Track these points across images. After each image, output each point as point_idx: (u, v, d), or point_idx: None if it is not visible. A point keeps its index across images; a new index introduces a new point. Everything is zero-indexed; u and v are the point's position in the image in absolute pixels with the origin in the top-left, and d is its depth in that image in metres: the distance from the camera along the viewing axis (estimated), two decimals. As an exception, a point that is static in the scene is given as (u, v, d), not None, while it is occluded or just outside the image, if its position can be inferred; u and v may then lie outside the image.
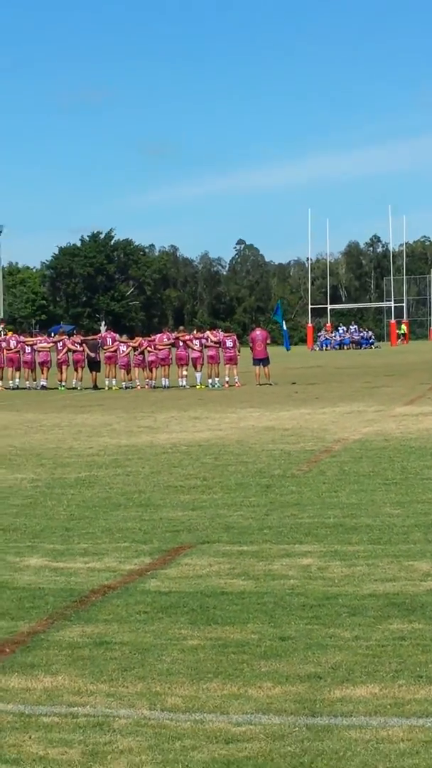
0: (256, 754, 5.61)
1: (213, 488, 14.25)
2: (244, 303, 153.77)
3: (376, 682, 6.58)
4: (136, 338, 42.42)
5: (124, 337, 42.55)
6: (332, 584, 9.01)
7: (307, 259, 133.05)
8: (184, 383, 39.56)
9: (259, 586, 9.05)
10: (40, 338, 43.69)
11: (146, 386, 39.71)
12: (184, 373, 40.16)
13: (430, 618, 7.88)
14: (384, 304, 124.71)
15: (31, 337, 44.80)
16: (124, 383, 40.10)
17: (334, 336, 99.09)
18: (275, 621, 7.97)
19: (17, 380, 40.86)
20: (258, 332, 41.80)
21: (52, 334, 48.42)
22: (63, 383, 40.16)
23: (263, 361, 40.05)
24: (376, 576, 9.21)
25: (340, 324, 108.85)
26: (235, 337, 41.44)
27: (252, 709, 6.23)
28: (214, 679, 6.73)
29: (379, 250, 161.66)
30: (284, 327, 45.34)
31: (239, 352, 40.84)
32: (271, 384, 38.54)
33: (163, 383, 39.80)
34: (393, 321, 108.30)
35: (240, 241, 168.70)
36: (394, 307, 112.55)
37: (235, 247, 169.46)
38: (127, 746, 5.74)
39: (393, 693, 6.40)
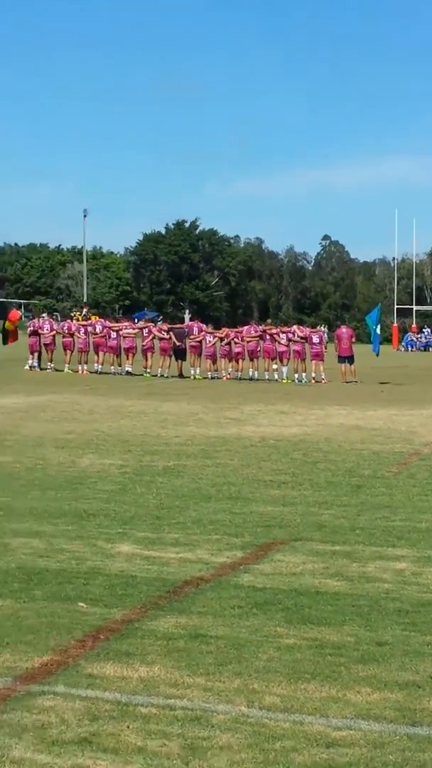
0: (358, 760, 5.50)
1: (303, 485, 14.14)
2: (329, 299, 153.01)
3: None
4: (223, 329, 42.33)
5: (210, 327, 42.50)
6: (427, 591, 8.87)
7: (393, 258, 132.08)
8: (270, 376, 39.46)
9: (354, 587, 8.93)
10: (125, 324, 43.77)
11: (226, 377, 39.61)
12: (274, 366, 40.04)
13: None
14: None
15: (116, 322, 44.87)
16: (209, 373, 40.07)
17: (420, 337, 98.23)
18: (371, 625, 7.85)
19: (99, 365, 40.94)
20: (344, 330, 41.59)
21: (137, 321, 48.56)
22: (148, 370, 40.22)
23: (349, 358, 39.80)
24: (473, 585, 9.06)
25: (425, 326, 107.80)
26: (321, 333, 41.23)
27: (351, 713, 6.12)
28: (311, 681, 6.63)
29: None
30: (377, 331, 44.91)
31: (326, 348, 40.61)
32: (356, 382, 38.28)
33: (250, 375, 39.71)
34: None
35: (325, 237, 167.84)
36: None
37: (321, 243, 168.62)
38: (226, 743, 5.66)
39: None
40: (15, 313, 46.33)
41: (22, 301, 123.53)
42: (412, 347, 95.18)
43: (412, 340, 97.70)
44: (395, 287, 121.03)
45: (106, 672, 6.68)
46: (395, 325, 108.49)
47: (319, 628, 7.75)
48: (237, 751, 5.57)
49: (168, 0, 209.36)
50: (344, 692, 6.45)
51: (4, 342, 43.34)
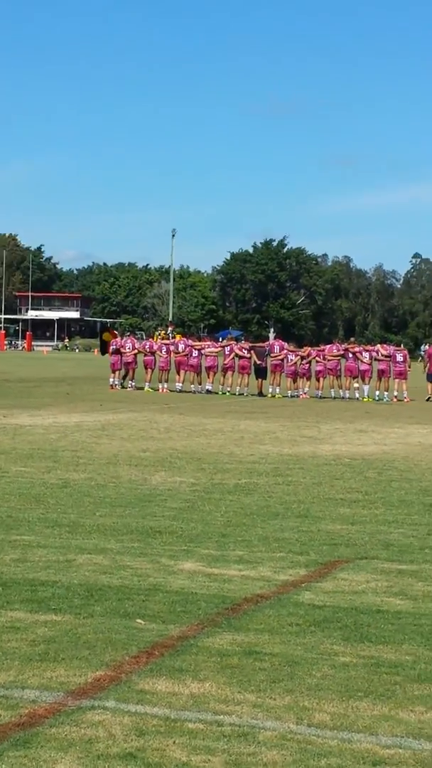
0: (404, 780, 5.41)
1: (375, 503, 14.02)
2: (418, 318, 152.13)
3: None
4: (305, 347, 42.27)
5: (293, 346, 42.44)
6: None
7: None
8: (351, 395, 39.34)
9: (417, 606, 8.82)
10: (207, 342, 43.90)
11: (302, 395, 39.47)
12: (355, 385, 39.90)
13: None
14: None
15: (199, 341, 45.00)
16: (289, 392, 40.00)
17: None
18: None
19: (180, 384, 41.03)
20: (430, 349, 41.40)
21: (220, 339, 48.64)
22: (228, 388, 40.25)
23: (435, 377, 39.61)
24: None
25: None
26: (405, 351, 40.97)
27: (402, 732, 6.03)
28: (364, 698, 6.55)
29: None
30: None
31: (410, 367, 40.34)
32: None
33: (331, 394, 39.59)
34: None
35: (416, 255, 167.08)
36: None
37: (411, 261, 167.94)
38: (271, 759, 5.60)
39: None
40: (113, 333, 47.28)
41: (108, 320, 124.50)
42: None
43: None
44: None
45: (158, 688, 6.65)
46: None
47: (377, 646, 7.66)
48: (281, 767, 5.51)
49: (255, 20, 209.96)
50: (397, 711, 6.36)
51: (103, 352, 43.85)
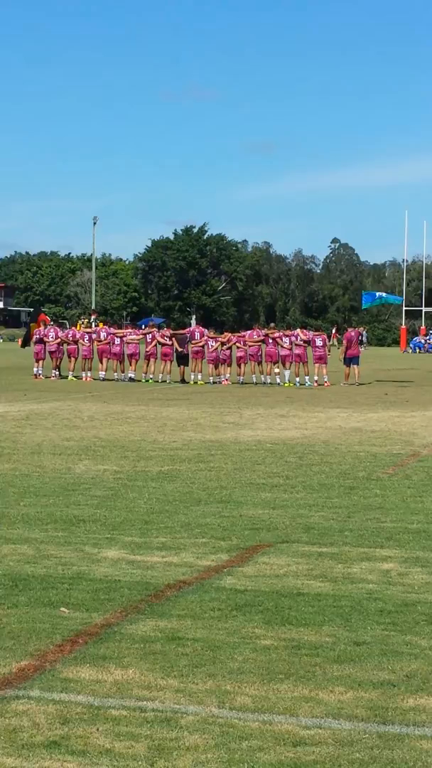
0: (324, 758, 5.52)
1: (295, 487, 14.16)
2: (337, 302, 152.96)
3: (451, 693, 6.45)
4: (225, 334, 42.35)
5: (212, 332, 42.52)
6: (412, 591, 8.89)
7: (403, 260, 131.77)
8: (272, 380, 39.55)
9: (337, 588, 8.95)
10: (129, 330, 43.86)
11: (224, 382, 39.61)
12: (276, 370, 40.09)
13: None
14: None
15: (121, 329, 44.93)
16: (211, 378, 40.09)
17: (428, 339, 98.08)
18: (351, 625, 7.86)
19: (103, 372, 40.94)
20: (353, 332, 41.68)
21: (142, 327, 48.60)
22: (150, 375, 40.27)
23: (354, 360, 39.91)
24: (458, 584, 9.06)
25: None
26: (325, 336, 41.23)
27: (322, 713, 6.14)
28: (285, 681, 6.65)
29: None
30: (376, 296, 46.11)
31: (329, 351, 40.61)
32: (359, 384, 38.36)
33: (253, 380, 39.75)
34: None
35: (335, 240, 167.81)
36: None
37: (330, 246, 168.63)
38: (193, 743, 5.68)
39: (468, 705, 6.26)
40: (44, 316, 47.09)
41: (31, 309, 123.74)
42: (420, 349, 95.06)
43: (420, 342, 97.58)
44: (404, 289, 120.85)
45: (82, 676, 6.70)
46: (403, 327, 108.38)
47: (297, 629, 7.77)
48: (203, 751, 5.59)
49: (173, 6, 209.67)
50: (317, 692, 6.47)
51: (24, 344, 43.66)
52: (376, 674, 6.79)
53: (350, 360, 40.03)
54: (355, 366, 39.74)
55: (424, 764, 5.45)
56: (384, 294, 48.98)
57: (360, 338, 47.95)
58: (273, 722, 5.99)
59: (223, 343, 40.81)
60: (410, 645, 7.40)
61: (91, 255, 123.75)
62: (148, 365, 40.57)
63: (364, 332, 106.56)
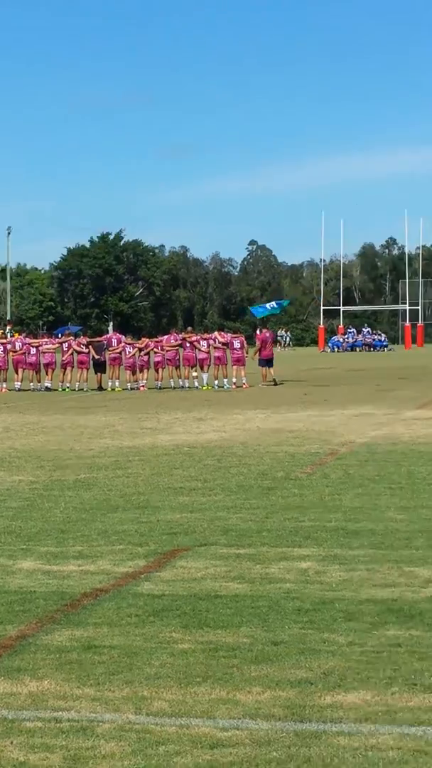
0: (241, 759, 5.49)
1: (213, 490, 14.13)
2: (256, 304, 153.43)
3: (368, 689, 6.45)
4: (143, 339, 42.28)
5: (130, 338, 42.42)
6: (329, 589, 8.89)
7: (321, 260, 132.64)
8: (190, 384, 39.56)
9: (255, 589, 8.92)
10: (45, 339, 43.57)
11: (142, 388, 39.54)
12: (194, 374, 40.09)
13: (427, 625, 7.75)
14: (399, 307, 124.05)
15: (36, 338, 44.63)
16: (129, 384, 39.97)
17: (346, 338, 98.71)
18: (269, 625, 7.84)
19: (19, 383, 40.63)
20: (267, 333, 41.80)
21: (59, 336, 48.29)
22: (67, 385, 40.07)
23: (270, 361, 40.09)
24: (375, 581, 9.08)
25: (350, 326, 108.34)
26: (242, 338, 41.26)
27: (239, 714, 6.11)
28: (202, 684, 6.61)
29: (395, 252, 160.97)
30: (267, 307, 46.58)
31: (247, 353, 40.70)
32: (276, 384, 38.59)
33: (171, 384, 39.71)
34: (408, 324, 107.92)
35: (252, 242, 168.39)
36: (410, 310, 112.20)
37: (247, 248, 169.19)
38: (109, 751, 5.62)
39: (385, 700, 6.27)
40: None
41: None
42: (338, 348, 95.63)
43: (338, 340, 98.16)
44: (322, 289, 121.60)
45: (-4, 689, 6.60)
46: (321, 326, 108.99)
47: (215, 631, 7.73)
48: (120, 758, 5.54)
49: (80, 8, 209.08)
50: (234, 693, 6.44)
51: None
52: (294, 673, 6.77)
53: (265, 362, 40.19)
54: (271, 367, 39.99)
55: (340, 760, 5.44)
56: (274, 304, 49.44)
57: (281, 339, 48.20)
58: (190, 726, 5.94)
59: (140, 349, 40.70)
60: (327, 642, 7.39)
61: (6, 265, 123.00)
62: (64, 374, 40.35)
63: (287, 333, 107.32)
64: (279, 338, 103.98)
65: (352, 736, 5.75)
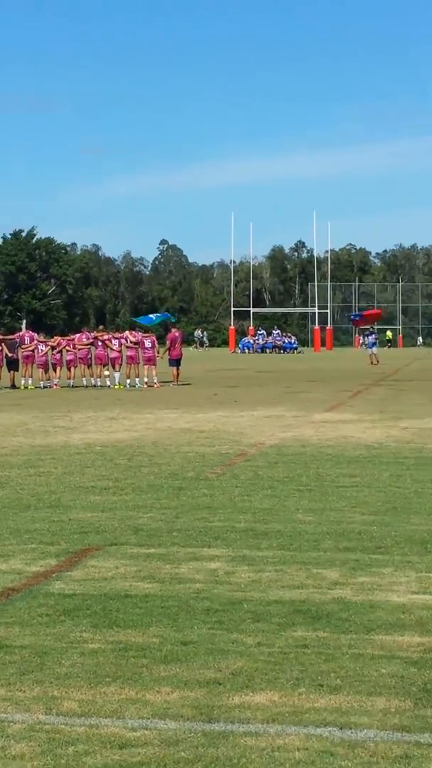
0: (149, 759, 5.55)
1: (125, 489, 14.17)
2: (167, 303, 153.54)
3: (275, 690, 6.54)
4: (55, 337, 42.11)
5: (42, 336, 42.24)
6: (238, 589, 8.97)
7: (231, 261, 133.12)
8: (102, 383, 39.53)
9: (165, 589, 8.98)
10: None
11: (55, 386, 39.40)
12: (106, 373, 40.06)
13: (334, 626, 7.86)
14: (308, 309, 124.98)
15: None
16: (41, 383, 39.81)
17: (257, 339, 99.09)
18: (178, 625, 7.91)
19: None
20: (177, 333, 41.83)
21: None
22: (-20, 382, 39.82)
23: (179, 361, 40.28)
24: (283, 582, 9.18)
25: (260, 328, 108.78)
26: (154, 337, 41.30)
27: (148, 714, 6.17)
28: (112, 684, 6.66)
29: (304, 255, 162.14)
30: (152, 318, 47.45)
31: (158, 353, 40.74)
32: (187, 384, 38.73)
33: (83, 383, 39.65)
34: (317, 327, 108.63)
35: (163, 242, 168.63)
36: (318, 313, 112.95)
37: (159, 248, 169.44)
38: (19, 752, 5.65)
39: (292, 701, 6.36)
40: None
41: None
42: (248, 349, 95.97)
43: (249, 342, 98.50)
44: (232, 290, 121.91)
45: None
46: (232, 327, 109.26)
47: (125, 631, 7.78)
48: (30, 759, 5.57)
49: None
50: (143, 693, 6.49)
51: None
52: (203, 673, 6.85)
53: (175, 361, 40.31)
54: (179, 367, 40.19)
55: (248, 760, 5.52)
56: (159, 314, 50.87)
57: (197, 339, 48.24)
58: (99, 726, 5.99)
59: (53, 348, 40.59)
60: (236, 643, 7.47)
61: None
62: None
63: (203, 333, 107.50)
64: (196, 338, 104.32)
65: (260, 736, 5.84)
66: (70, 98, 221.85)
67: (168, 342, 41.41)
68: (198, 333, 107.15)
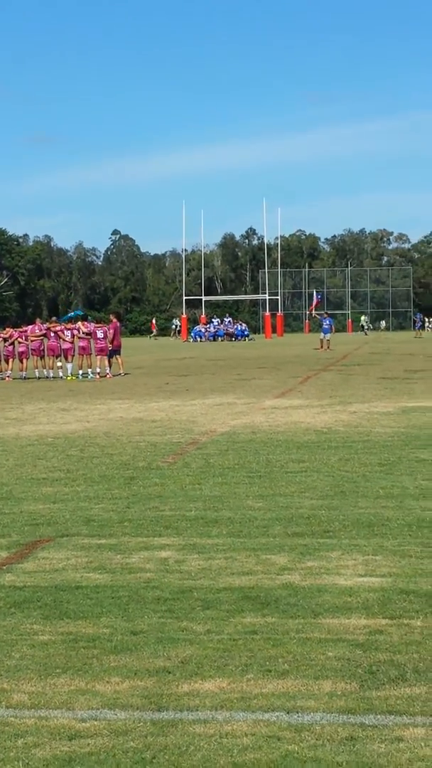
0: (99, 750, 5.58)
1: (76, 481, 14.17)
2: (119, 293, 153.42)
3: (224, 676, 6.59)
4: (7, 329, 42.01)
5: (-6, 328, 42.11)
6: (188, 577, 9.01)
7: (183, 250, 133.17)
8: (55, 374, 39.47)
9: (115, 579, 9.01)
10: None
11: (7, 378, 39.30)
12: (58, 364, 40.00)
13: (283, 612, 7.92)
14: (259, 296, 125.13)
15: None
16: (-7, 374, 39.70)
17: (209, 328, 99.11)
18: (128, 615, 7.94)
19: None
20: (118, 323, 41.78)
21: None
22: None
23: (118, 351, 40.38)
24: (233, 569, 9.23)
25: (214, 316, 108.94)
26: (106, 328, 41.23)
27: (98, 704, 6.20)
28: (62, 675, 6.68)
29: (255, 242, 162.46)
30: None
31: (110, 343, 40.66)
32: (128, 374, 38.99)
33: (36, 374, 39.56)
34: (268, 314, 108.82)
35: (115, 232, 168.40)
36: (269, 300, 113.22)
37: (111, 238, 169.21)
38: (-33, 745, 5.66)
39: (241, 687, 6.41)
40: None
41: None
42: (200, 338, 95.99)
43: (200, 330, 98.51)
44: (184, 278, 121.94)
45: None
46: (184, 316, 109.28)
47: (75, 622, 7.81)
48: (-22, 752, 5.58)
49: None
50: (93, 684, 6.53)
51: None
52: (152, 662, 6.89)
53: (114, 351, 40.32)
54: (118, 357, 40.24)
55: (196, 748, 5.57)
56: (71, 313, 52.21)
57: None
58: (49, 717, 6.02)
59: (5, 339, 40.47)
60: (186, 631, 7.52)
61: None
62: None
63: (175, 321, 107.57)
64: (173, 327, 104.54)
65: (208, 723, 5.89)
66: (14, 85, 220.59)
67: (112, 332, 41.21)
68: (176, 322, 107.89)
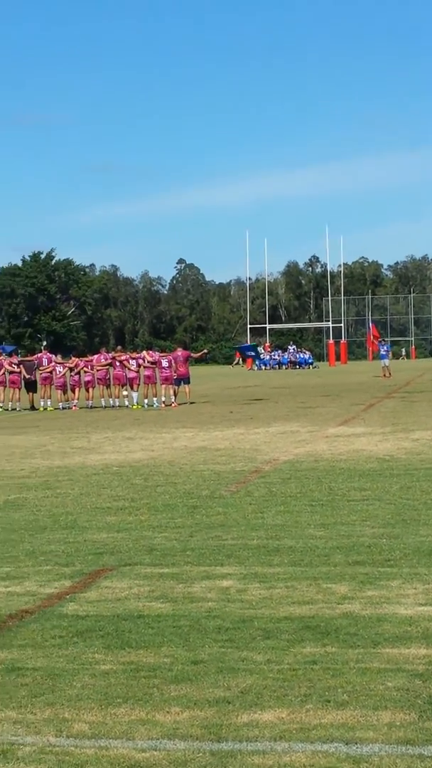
0: (158, 779, 5.63)
1: (140, 509, 14.26)
2: (185, 322, 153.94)
3: (284, 707, 6.61)
4: (73, 359, 42.35)
5: (60, 358, 42.44)
6: (249, 607, 9.04)
7: (247, 278, 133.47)
8: (120, 403, 39.67)
9: (177, 609, 9.06)
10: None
11: (74, 407, 39.55)
12: (124, 393, 40.21)
13: (343, 642, 7.93)
14: (323, 324, 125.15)
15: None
16: (60, 404, 40.00)
17: (273, 355, 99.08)
18: (189, 644, 7.99)
19: None
20: (179, 352, 41.67)
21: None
22: (0, 404, 40.02)
23: (185, 379, 40.33)
24: (294, 599, 9.25)
25: (276, 346, 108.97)
26: (171, 357, 41.38)
27: (158, 734, 6.25)
28: (122, 704, 6.74)
29: (318, 270, 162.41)
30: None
31: (175, 372, 40.79)
32: (193, 402, 38.93)
33: (102, 403, 39.82)
34: (332, 341, 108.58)
35: (180, 261, 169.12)
36: (333, 327, 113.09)
37: (176, 267, 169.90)
38: (29, 774, 5.73)
39: (300, 717, 6.43)
40: None
41: None
42: (265, 366, 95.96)
43: (265, 358, 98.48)
44: (248, 307, 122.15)
45: None
46: (267, 344, 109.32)
47: (137, 651, 7.87)
48: (39, 780, 5.65)
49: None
50: (153, 713, 6.57)
51: None
52: (212, 692, 6.92)
53: (180, 380, 40.33)
54: (186, 385, 40.21)
55: (254, 777, 5.60)
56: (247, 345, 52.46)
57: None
58: (109, 747, 6.07)
59: (71, 369, 40.79)
60: (246, 661, 7.55)
61: None
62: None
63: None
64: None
65: (267, 754, 5.91)
66: (75, 114, 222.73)
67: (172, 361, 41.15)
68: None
